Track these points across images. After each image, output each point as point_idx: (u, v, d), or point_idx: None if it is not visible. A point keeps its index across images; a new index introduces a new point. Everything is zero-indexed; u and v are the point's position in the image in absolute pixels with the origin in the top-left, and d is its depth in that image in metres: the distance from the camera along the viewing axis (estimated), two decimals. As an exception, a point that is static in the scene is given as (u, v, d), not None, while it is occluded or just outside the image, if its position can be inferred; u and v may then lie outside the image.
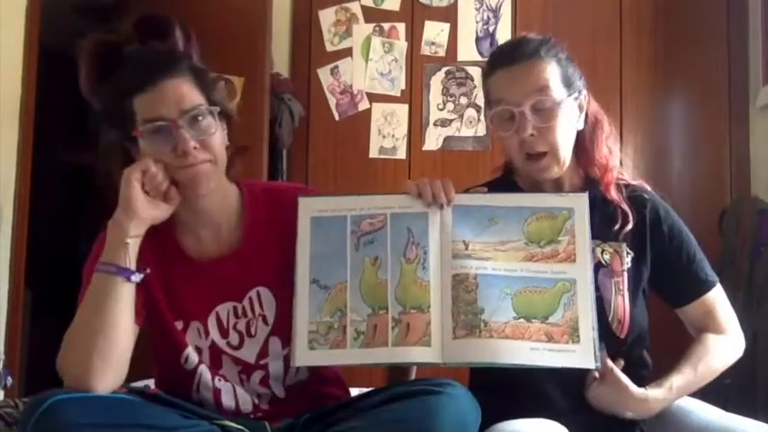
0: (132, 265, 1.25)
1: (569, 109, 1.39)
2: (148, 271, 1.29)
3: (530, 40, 1.41)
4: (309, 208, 1.35)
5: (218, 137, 1.33)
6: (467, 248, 1.31)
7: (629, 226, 1.40)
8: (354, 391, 1.45)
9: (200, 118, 1.30)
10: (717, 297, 1.47)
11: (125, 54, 1.35)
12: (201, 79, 1.33)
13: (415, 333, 1.25)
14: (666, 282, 1.45)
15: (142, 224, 1.27)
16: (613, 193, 1.42)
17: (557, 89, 1.37)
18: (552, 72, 1.38)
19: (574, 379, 1.35)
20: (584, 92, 1.44)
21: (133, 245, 1.26)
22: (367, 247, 1.32)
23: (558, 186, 1.45)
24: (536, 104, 1.35)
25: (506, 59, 1.40)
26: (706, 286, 1.46)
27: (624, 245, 1.41)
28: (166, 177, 1.29)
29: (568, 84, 1.40)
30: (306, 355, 1.27)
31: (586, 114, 1.45)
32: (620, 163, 1.47)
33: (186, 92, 1.30)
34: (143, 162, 1.28)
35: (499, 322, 1.26)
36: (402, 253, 1.31)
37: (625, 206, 1.42)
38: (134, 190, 1.26)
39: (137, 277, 1.26)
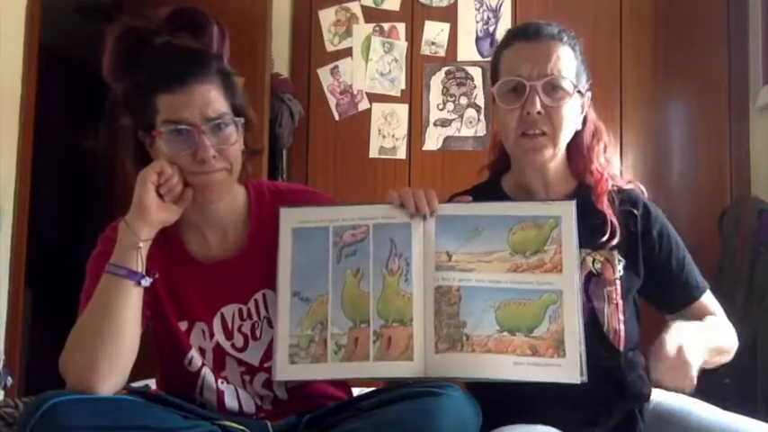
0: (142, 268, 1.24)
1: (575, 102, 1.38)
2: (158, 275, 1.29)
3: (553, 24, 1.42)
4: (291, 219, 1.33)
5: (238, 146, 1.32)
6: (450, 260, 1.29)
7: (616, 240, 1.38)
8: (356, 392, 1.45)
9: (222, 126, 1.29)
10: (708, 303, 1.46)
11: (155, 45, 1.32)
12: (228, 84, 1.32)
13: (396, 347, 1.24)
14: (657, 289, 1.43)
15: (154, 228, 1.27)
16: (605, 205, 1.39)
17: (569, 76, 1.37)
18: (569, 59, 1.38)
19: (568, 386, 1.34)
20: (588, 95, 1.43)
21: (144, 248, 1.25)
22: (349, 259, 1.30)
23: (547, 191, 1.43)
24: (549, 83, 1.34)
25: (528, 34, 1.39)
26: (697, 292, 1.44)
27: (615, 252, 1.39)
28: (181, 179, 1.28)
29: (578, 79, 1.39)
30: (286, 370, 1.26)
31: (585, 120, 1.44)
32: (620, 174, 1.45)
33: (213, 98, 1.28)
34: (158, 164, 1.26)
35: (482, 336, 1.24)
36: (384, 264, 1.29)
37: (614, 219, 1.39)
38: (149, 193, 1.25)
39: (146, 281, 1.25)
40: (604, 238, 1.37)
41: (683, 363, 1.22)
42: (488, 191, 1.48)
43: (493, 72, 1.44)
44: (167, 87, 1.26)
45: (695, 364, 1.24)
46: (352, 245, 1.31)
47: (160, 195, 1.27)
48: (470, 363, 1.23)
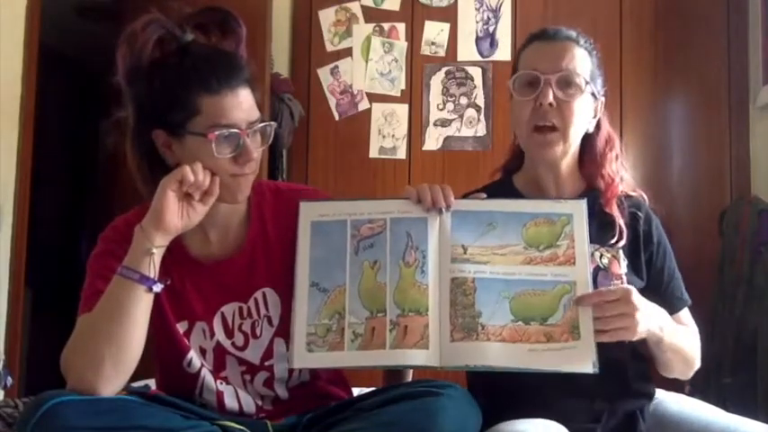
0: (155, 274, 1.24)
1: (587, 101, 1.43)
2: (169, 282, 1.29)
3: (572, 28, 1.48)
4: (310, 212, 1.36)
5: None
6: (465, 252, 1.31)
7: (623, 242, 1.42)
8: (356, 391, 1.45)
9: (263, 130, 1.32)
10: (685, 318, 1.49)
11: (189, 44, 1.32)
12: (255, 89, 1.34)
13: (412, 336, 1.25)
14: (646, 295, 1.45)
15: (169, 235, 1.26)
16: (614, 209, 1.44)
17: (583, 75, 1.41)
18: (584, 60, 1.43)
19: (573, 378, 1.35)
20: (602, 100, 1.47)
21: (158, 254, 1.24)
22: (366, 251, 1.32)
23: (558, 189, 1.46)
24: (563, 78, 1.39)
25: (546, 35, 1.46)
26: (680, 304, 1.48)
27: (621, 251, 1.43)
28: (207, 174, 1.27)
29: (593, 80, 1.44)
30: (303, 358, 1.27)
31: (599, 127, 1.48)
32: (620, 179, 1.49)
33: (252, 103, 1.31)
34: (179, 172, 1.25)
35: (497, 326, 1.26)
36: (401, 257, 1.31)
37: (622, 222, 1.43)
38: (168, 200, 1.24)
39: (158, 287, 1.24)
40: (613, 240, 1.42)
41: (629, 303, 1.24)
42: (500, 189, 1.51)
43: (513, 72, 1.49)
44: (215, 89, 1.26)
45: (644, 314, 1.25)
46: (370, 238, 1.33)
47: (188, 195, 1.26)
48: (485, 351, 1.24)
